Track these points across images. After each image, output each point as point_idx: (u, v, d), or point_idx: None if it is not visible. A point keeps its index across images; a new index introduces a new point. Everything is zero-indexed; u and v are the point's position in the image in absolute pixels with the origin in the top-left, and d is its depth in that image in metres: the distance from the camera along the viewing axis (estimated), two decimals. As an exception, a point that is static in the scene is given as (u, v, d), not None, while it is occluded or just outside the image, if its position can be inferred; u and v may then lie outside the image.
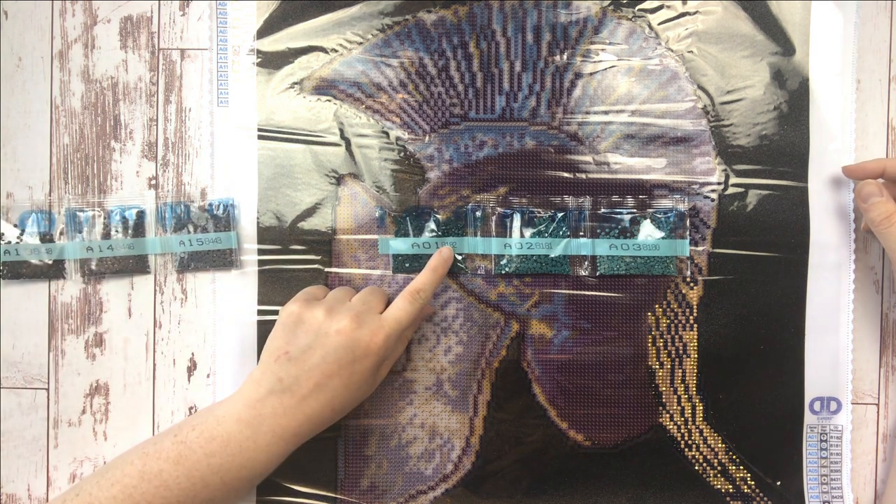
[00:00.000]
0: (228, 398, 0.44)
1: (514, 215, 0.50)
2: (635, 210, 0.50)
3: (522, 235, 0.50)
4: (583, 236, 0.50)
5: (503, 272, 0.50)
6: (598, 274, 0.50)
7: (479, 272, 0.50)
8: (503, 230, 0.50)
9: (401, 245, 0.50)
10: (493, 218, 0.50)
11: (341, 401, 0.43)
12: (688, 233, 0.50)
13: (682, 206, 0.50)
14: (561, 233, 0.50)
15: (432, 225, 0.50)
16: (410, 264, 0.50)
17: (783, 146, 0.50)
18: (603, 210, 0.50)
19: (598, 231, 0.50)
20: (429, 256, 0.50)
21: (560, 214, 0.50)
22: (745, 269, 0.50)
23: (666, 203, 0.50)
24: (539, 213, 0.50)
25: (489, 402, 0.50)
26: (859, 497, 0.51)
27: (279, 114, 0.51)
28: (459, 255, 0.50)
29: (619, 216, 0.50)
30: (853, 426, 0.51)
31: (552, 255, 0.50)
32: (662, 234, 0.49)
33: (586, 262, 0.50)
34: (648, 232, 0.50)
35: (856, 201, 0.48)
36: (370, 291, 0.47)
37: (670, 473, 0.50)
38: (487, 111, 0.50)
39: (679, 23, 0.50)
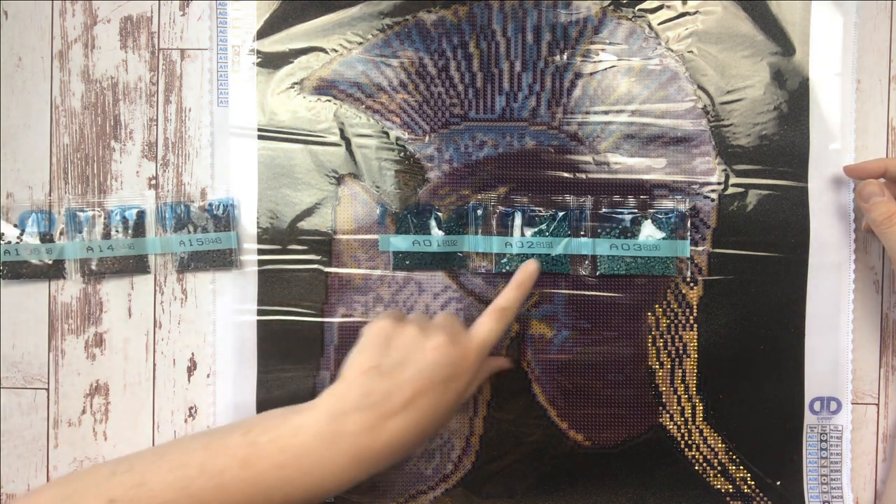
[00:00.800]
0: (306, 407, 0.40)
1: (516, 214, 0.50)
2: (636, 210, 0.50)
3: (523, 234, 0.50)
4: (584, 236, 0.50)
5: (504, 271, 0.50)
6: (598, 273, 0.50)
7: (479, 271, 0.50)
8: (504, 229, 0.50)
9: (401, 242, 0.50)
10: (495, 217, 0.50)
11: (427, 424, 0.40)
12: (688, 234, 0.50)
13: (683, 207, 0.50)
14: (562, 232, 0.50)
15: (433, 223, 0.50)
16: (411, 262, 0.50)
17: (783, 146, 0.50)
18: (604, 210, 0.50)
19: (599, 231, 0.50)
20: (429, 254, 0.50)
21: (561, 214, 0.50)
22: (745, 269, 0.50)
23: (667, 204, 0.50)
24: (540, 211, 0.50)
25: (489, 402, 0.50)
26: (859, 497, 0.51)
27: (279, 114, 0.51)
28: (461, 253, 0.50)
29: (619, 216, 0.50)
30: (853, 426, 0.51)
31: (553, 255, 0.50)
32: (663, 234, 0.49)
33: (587, 262, 0.50)
34: (649, 232, 0.50)
35: (857, 201, 0.48)
36: (449, 315, 0.45)
37: (670, 473, 0.50)
38: (487, 111, 0.50)
39: (679, 23, 0.50)
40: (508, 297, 0.45)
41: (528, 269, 0.47)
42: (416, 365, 0.40)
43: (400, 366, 0.40)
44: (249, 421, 0.40)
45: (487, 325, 0.44)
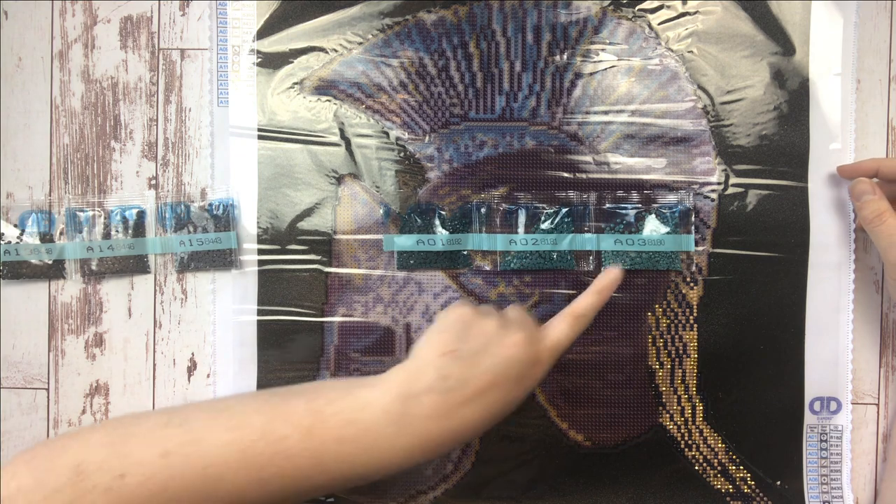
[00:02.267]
0: (373, 381, 0.38)
1: (520, 212, 0.50)
2: (640, 205, 0.50)
3: (527, 231, 0.50)
4: (588, 232, 0.50)
5: (509, 268, 0.50)
6: (602, 269, 0.50)
7: (484, 269, 0.50)
8: (508, 226, 0.50)
9: (405, 242, 0.50)
10: (498, 214, 0.50)
11: (492, 417, 0.39)
12: (693, 227, 0.50)
13: (688, 202, 0.50)
14: (566, 228, 0.50)
15: (437, 222, 0.50)
16: (415, 261, 0.50)
17: (783, 146, 0.50)
18: (608, 205, 0.50)
19: (604, 226, 0.50)
20: (433, 253, 0.50)
21: (565, 210, 0.50)
22: (745, 269, 0.50)
23: (671, 198, 0.50)
24: (544, 208, 0.50)
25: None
26: (859, 497, 0.51)
27: (279, 114, 0.51)
28: (464, 251, 0.50)
29: (623, 211, 0.50)
30: (853, 426, 0.51)
31: (557, 251, 0.50)
32: (667, 229, 0.49)
33: (591, 258, 0.50)
34: (653, 227, 0.50)
35: (850, 199, 0.49)
36: (522, 311, 0.44)
37: (670, 473, 0.50)
38: (487, 111, 0.50)
39: (679, 23, 0.50)
40: (586, 303, 0.44)
41: (611, 276, 0.46)
42: (493, 357, 0.39)
43: (478, 354, 0.39)
44: (310, 388, 0.39)
45: (562, 329, 0.42)
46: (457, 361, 0.38)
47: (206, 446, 0.35)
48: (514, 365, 0.39)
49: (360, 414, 0.37)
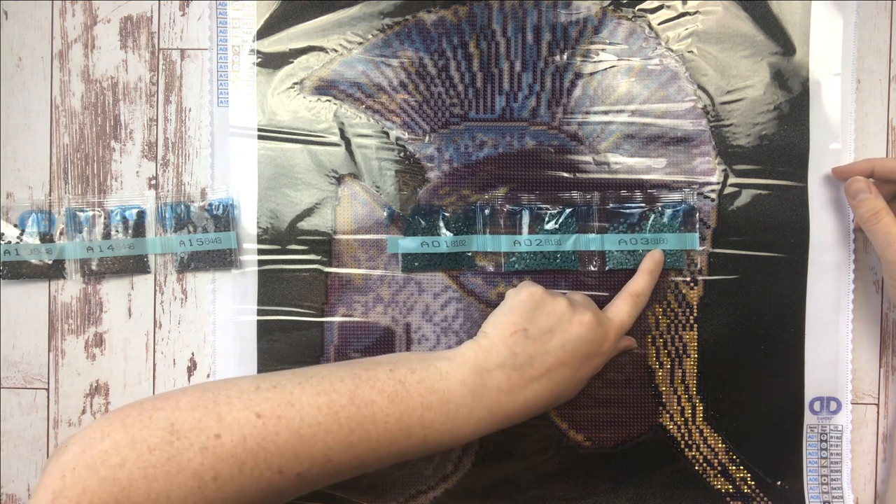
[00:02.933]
0: (448, 354, 0.41)
1: (524, 212, 0.50)
2: (643, 205, 0.50)
3: (532, 232, 0.50)
4: (591, 232, 0.50)
5: (513, 269, 0.50)
6: (607, 269, 0.50)
7: (488, 270, 0.50)
8: (511, 227, 0.50)
9: (410, 244, 0.50)
10: (502, 215, 0.50)
11: (559, 394, 0.42)
12: (697, 226, 0.50)
13: (692, 200, 0.50)
14: (570, 229, 0.50)
15: (441, 223, 0.50)
16: (420, 263, 0.50)
17: (783, 146, 0.50)
18: (611, 205, 0.50)
19: (607, 226, 0.50)
20: (437, 255, 0.50)
21: (568, 210, 0.50)
22: (745, 269, 0.50)
23: (674, 197, 0.50)
24: (547, 209, 0.50)
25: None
26: (859, 497, 0.51)
27: (279, 114, 0.51)
28: (469, 252, 0.50)
29: (627, 211, 0.50)
30: (853, 426, 0.51)
31: (562, 251, 0.50)
32: (671, 227, 0.49)
33: (596, 258, 0.50)
34: (657, 226, 0.50)
35: (846, 198, 0.49)
36: (585, 296, 0.47)
37: (670, 473, 0.50)
38: (487, 111, 0.50)
39: (679, 23, 0.50)
40: (641, 282, 0.47)
41: (656, 257, 0.49)
42: (562, 336, 0.42)
43: (547, 333, 0.42)
44: (390, 358, 0.41)
45: (625, 309, 0.46)
46: (526, 340, 0.41)
47: (300, 408, 0.37)
48: (582, 344, 0.42)
49: (441, 383, 0.39)
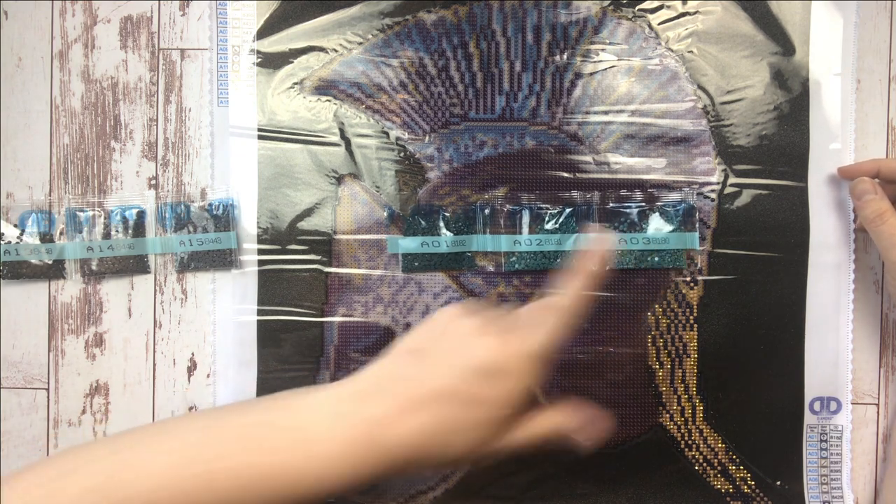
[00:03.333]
0: (332, 385, 0.37)
1: (524, 212, 0.50)
2: (643, 204, 0.50)
3: (532, 232, 0.50)
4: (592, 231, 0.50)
5: (513, 269, 0.50)
6: (606, 268, 0.50)
7: (488, 270, 0.50)
8: (511, 227, 0.50)
9: (410, 244, 0.50)
10: (502, 215, 0.50)
11: (445, 437, 0.35)
12: (697, 225, 0.50)
13: (692, 199, 0.50)
14: (570, 228, 0.50)
15: (441, 223, 0.50)
16: (420, 263, 0.50)
17: (783, 146, 0.50)
18: (611, 205, 0.50)
19: (608, 226, 0.50)
20: (437, 255, 0.50)
21: (569, 210, 0.50)
22: (745, 269, 0.50)
23: (675, 196, 0.50)
24: (547, 209, 0.50)
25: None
26: (859, 497, 0.51)
27: (279, 114, 0.51)
28: (469, 252, 0.50)
29: (627, 210, 0.50)
30: (853, 426, 0.51)
31: (562, 251, 0.50)
32: (671, 227, 0.49)
33: None
34: (657, 225, 0.50)
35: (851, 198, 0.49)
36: (538, 313, 0.39)
37: (670, 473, 0.50)
38: (487, 111, 0.50)
39: (679, 23, 0.50)
40: (563, 296, 0.40)
41: (588, 251, 0.42)
42: (459, 359, 0.35)
43: (441, 355, 0.36)
44: (249, 403, 0.38)
45: (539, 330, 0.38)
46: (418, 362, 0.36)
47: (143, 476, 0.33)
48: (479, 373, 0.35)
49: (295, 417, 0.35)
